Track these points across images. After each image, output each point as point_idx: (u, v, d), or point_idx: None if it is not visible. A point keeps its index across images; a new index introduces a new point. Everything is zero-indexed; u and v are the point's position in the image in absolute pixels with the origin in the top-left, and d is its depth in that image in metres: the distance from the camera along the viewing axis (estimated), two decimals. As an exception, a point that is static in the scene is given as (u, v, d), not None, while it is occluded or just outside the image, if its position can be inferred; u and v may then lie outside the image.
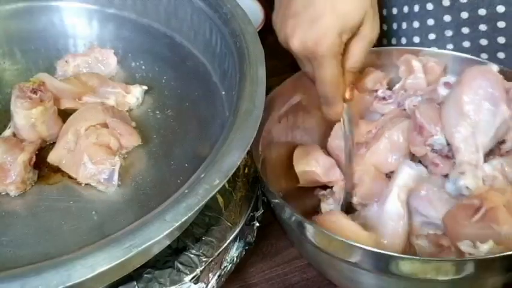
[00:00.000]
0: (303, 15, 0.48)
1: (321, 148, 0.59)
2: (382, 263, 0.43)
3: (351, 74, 0.51)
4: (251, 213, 0.52)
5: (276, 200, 0.48)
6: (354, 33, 0.49)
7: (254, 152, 0.53)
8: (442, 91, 0.56)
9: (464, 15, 0.62)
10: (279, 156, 0.58)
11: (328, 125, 0.59)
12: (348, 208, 0.55)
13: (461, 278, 0.42)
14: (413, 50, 0.61)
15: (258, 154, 0.53)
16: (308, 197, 0.59)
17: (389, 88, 0.61)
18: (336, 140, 0.57)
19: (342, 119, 0.53)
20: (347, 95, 0.51)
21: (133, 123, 0.53)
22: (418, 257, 0.44)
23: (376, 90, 0.60)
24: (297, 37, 0.48)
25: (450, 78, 0.56)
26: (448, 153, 0.52)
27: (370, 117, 0.61)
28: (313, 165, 0.56)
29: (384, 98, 0.59)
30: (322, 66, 0.48)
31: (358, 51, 0.49)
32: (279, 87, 0.57)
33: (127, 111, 0.55)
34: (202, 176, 0.38)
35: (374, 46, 0.52)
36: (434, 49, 0.62)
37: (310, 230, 0.46)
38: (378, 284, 0.47)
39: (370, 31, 0.49)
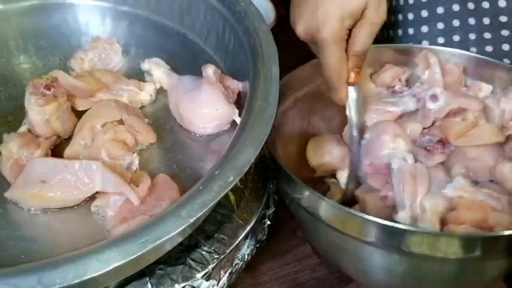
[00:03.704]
0: (307, 2, 0.50)
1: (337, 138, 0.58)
2: (395, 238, 0.43)
3: (355, 58, 0.50)
4: (262, 211, 0.53)
5: (289, 174, 0.48)
6: (358, 18, 0.49)
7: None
8: (431, 105, 0.56)
9: (486, 20, 0.62)
10: (291, 139, 0.57)
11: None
12: (351, 198, 0.55)
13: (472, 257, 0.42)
14: (435, 49, 0.61)
15: (272, 135, 0.52)
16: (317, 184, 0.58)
17: (408, 86, 0.61)
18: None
19: (347, 104, 0.53)
20: (351, 79, 0.51)
21: (146, 120, 0.53)
22: (429, 231, 0.45)
23: (394, 86, 0.60)
24: (301, 23, 0.51)
25: (436, 90, 0.56)
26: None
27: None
28: (328, 158, 0.56)
29: (400, 93, 0.60)
30: (324, 51, 0.50)
31: (361, 35, 0.50)
32: (296, 70, 0.57)
33: (140, 108, 0.55)
34: (217, 173, 0.38)
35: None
36: (455, 50, 0.61)
37: (324, 205, 0.46)
38: (389, 264, 0.47)
39: (374, 15, 0.49)
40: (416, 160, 0.52)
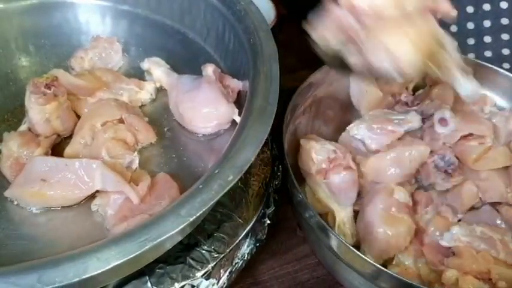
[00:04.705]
0: None
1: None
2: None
3: None
4: (262, 211, 0.53)
5: (300, 197, 0.48)
6: None
7: (284, 142, 0.53)
8: (440, 129, 0.54)
9: (487, 23, 0.62)
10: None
11: (344, 119, 0.59)
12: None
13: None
14: None
15: (285, 146, 0.53)
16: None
17: (413, 95, 0.61)
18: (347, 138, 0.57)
19: None
20: None
21: (146, 119, 0.53)
22: None
23: (400, 94, 0.60)
24: None
25: (445, 113, 0.54)
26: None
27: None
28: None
29: (406, 104, 0.59)
30: None
31: None
32: (308, 79, 0.57)
33: (140, 107, 0.55)
34: (217, 172, 0.39)
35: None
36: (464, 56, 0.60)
37: (333, 239, 0.47)
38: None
39: None
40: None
